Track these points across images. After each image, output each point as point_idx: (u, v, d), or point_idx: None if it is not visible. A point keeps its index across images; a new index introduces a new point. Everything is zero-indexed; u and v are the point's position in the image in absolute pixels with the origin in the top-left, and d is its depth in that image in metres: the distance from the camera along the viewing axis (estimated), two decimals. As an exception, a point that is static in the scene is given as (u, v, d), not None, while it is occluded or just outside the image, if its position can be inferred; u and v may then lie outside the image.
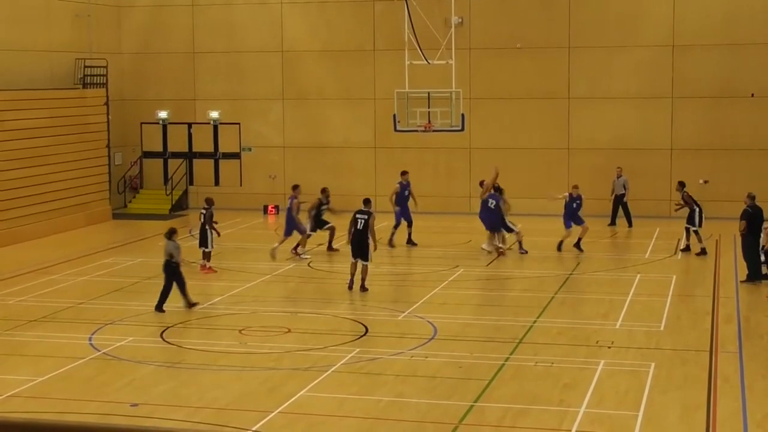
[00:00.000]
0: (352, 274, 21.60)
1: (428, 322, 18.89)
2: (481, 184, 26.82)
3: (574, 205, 26.02)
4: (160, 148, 35.86)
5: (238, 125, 35.16)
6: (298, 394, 14.57)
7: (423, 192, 32.02)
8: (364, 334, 18.07)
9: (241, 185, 35.29)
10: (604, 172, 31.49)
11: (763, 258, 22.71)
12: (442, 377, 15.45)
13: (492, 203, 25.75)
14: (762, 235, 23.07)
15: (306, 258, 25.35)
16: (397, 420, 13.69)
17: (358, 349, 16.96)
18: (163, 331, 18.32)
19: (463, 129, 27.52)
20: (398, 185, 27.28)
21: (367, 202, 22.28)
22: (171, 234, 20.24)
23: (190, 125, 35.62)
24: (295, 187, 26.46)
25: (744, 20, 30.96)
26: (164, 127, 35.60)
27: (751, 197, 22.64)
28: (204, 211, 24.17)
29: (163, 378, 15.59)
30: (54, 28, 32.19)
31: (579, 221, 26.03)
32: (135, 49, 35.60)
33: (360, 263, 21.42)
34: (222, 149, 35.42)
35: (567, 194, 26.28)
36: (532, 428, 13.37)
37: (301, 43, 34.35)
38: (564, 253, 25.76)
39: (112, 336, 18.01)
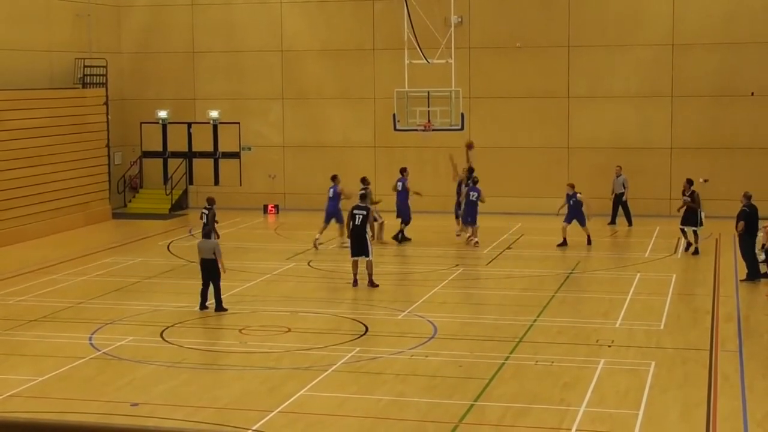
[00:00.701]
0: (355, 273, 21.61)
1: (428, 321, 18.88)
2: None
3: (571, 202, 26.39)
4: (159, 148, 35.85)
5: (237, 125, 35.16)
6: (298, 394, 14.57)
7: (423, 191, 32.03)
8: (364, 334, 18.06)
9: (240, 185, 35.27)
10: (604, 171, 31.48)
11: (763, 257, 22.70)
12: (442, 376, 15.45)
13: (474, 195, 26.40)
14: (761, 233, 23.06)
15: (345, 246, 25.60)
16: (398, 419, 13.69)
17: (358, 349, 16.96)
18: (163, 331, 18.30)
19: (462, 128, 27.54)
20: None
21: (363, 197, 22.28)
22: (209, 234, 20.34)
23: (189, 125, 35.61)
24: (335, 177, 26.96)
25: (744, 19, 30.95)
26: (164, 126, 35.59)
27: (747, 196, 22.66)
28: (206, 211, 24.11)
29: (163, 377, 15.57)
30: (54, 28, 32.19)
31: (580, 221, 26.37)
32: (135, 48, 35.60)
33: (362, 260, 21.42)
34: (222, 149, 35.41)
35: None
36: (533, 427, 13.36)
37: (300, 42, 34.35)
38: (563, 252, 25.76)
39: (112, 336, 18.01)
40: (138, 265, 24.78)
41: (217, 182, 35.49)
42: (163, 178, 35.50)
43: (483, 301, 20.89)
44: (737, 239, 23.03)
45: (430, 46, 27.70)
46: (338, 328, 18.56)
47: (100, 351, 17.04)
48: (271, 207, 34.23)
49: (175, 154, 35.68)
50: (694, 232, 24.97)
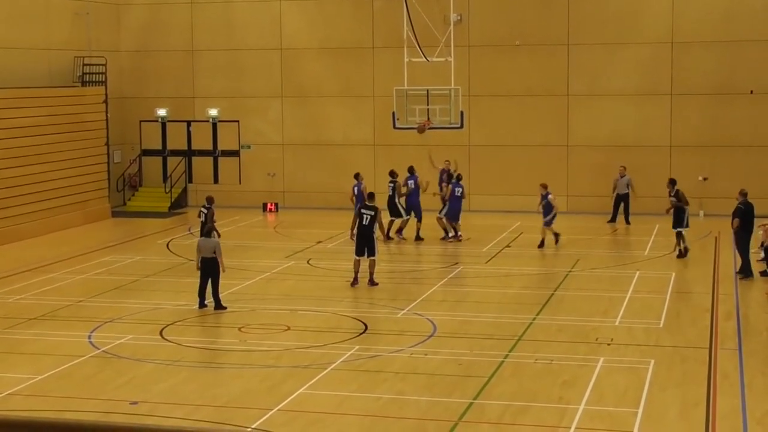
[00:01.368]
0: (357, 272, 21.60)
1: (427, 319, 18.87)
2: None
3: (543, 203, 25.98)
4: (159, 146, 35.83)
5: (237, 123, 35.14)
6: (298, 392, 14.57)
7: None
8: (364, 332, 18.06)
9: (240, 183, 35.25)
10: (603, 169, 31.49)
11: (762, 255, 22.73)
12: (441, 374, 15.44)
13: (459, 191, 26.81)
14: (760, 232, 23.09)
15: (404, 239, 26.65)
16: (397, 417, 13.69)
17: (357, 347, 16.95)
18: (163, 329, 18.29)
19: (462, 126, 27.52)
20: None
21: (371, 196, 22.29)
22: (210, 232, 20.30)
23: (189, 123, 35.59)
24: (412, 169, 27.68)
25: (743, 17, 30.92)
26: (163, 124, 35.57)
27: (743, 194, 22.69)
28: (206, 210, 24.06)
29: (162, 376, 15.56)
30: (53, 26, 32.17)
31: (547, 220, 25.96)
32: (134, 47, 35.57)
33: (367, 259, 21.41)
34: (221, 147, 35.39)
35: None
36: (532, 425, 13.36)
37: (300, 40, 34.32)
38: (563, 251, 25.75)
39: (111, 334, 18.00)
40: (137, 264, 24.77)
41: (216, 180, 35.46)
42: (162, 176, 35.48)
43: (482, 299, 20.88)
44: (733, 234, 23.04)
45: (429, 45, 27.68)
46: (338, 327, 18.54)
47: (99, 349, 17.03)
48: (271, 205, 34.20)
49: (175, 153, 35.65)
50: (679, 232, 24.49)
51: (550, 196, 25.81)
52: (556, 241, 25.98)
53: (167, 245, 27.31)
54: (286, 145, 34.84)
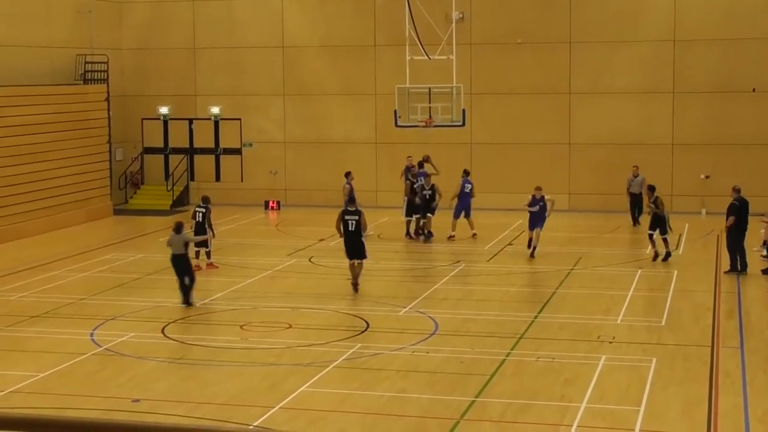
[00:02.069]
0: (354, 275, 21.23)
1: (429, 317, 18.86)
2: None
3: (538, 207, 24.55)
4: (161, 144, 35.82)
5: (239, 121, 35.13)
6: (299, 390, 14.56)
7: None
8: (365, 330, 18.04)
9: (242, 181, 35.24)
10: (605, 168, 31.47)
11: (765, 252, 22.71)
12: (443, 372, 15.42)
13: (468, 188, 26.92)
14: (762, 230, 23.06)
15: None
16: (399, 415, 13.67)
17: (359, 345, 16.95)
18: (165, 327, 18.29)
19: (464, 124, 27.49)
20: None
21: (352, 200, 21.57)
22: (180, 228, 20.19)
23: (191, 121, 35.58)
24: (467, 172, 27.73)
25: (745, 15, 30.88)
26: (165, 122, 35.57)
27: (737, 190, 22.69)
28: (203, 210, 23.86)
29: (164, 374, 15.58)
30: (55, 25, 32.15)
31: (540, 224, 24.60)
32: (136, 44, 35.56)
33: (357, 261, 21.03)
34: (223, 145, 35.38)
35: (531, 195, 24.79)
36: (534, 423, 13.35)
37: (301, 38, 34.31)
38: (565, 249, 25.72)
39: (113, 332, 18.00)
40: (139, 261, 24.77)
41: (218, 178, 35.46)
42: (164, 174, 35.48)
43: (484, 297, 20.86)
44: (725, 231, 23.01)
45: (431, 42, 27.65)
46: (339, 325, 18.55)
47: (101, 347, 17.04)
48: (273, 203, 34.18)
49: (177, 151, 35.64)
50: (664, 239, 23.79)
51: (547, 197, 24.81)
52: (532, 253, 24.45)
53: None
54: (287, 143, 34.82)
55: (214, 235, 24.04)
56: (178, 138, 35.61)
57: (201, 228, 23.56)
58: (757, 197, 22.79)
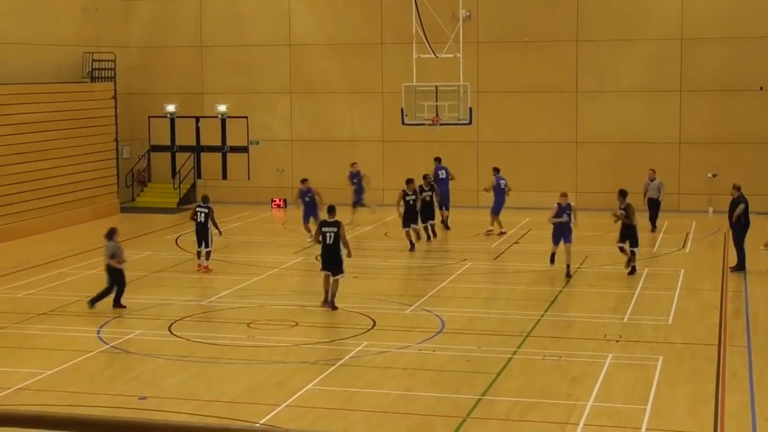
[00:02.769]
0: (326, 290, 19.54)
1: (436, 315, 18.85)
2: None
3: (565, 217, 22.43)
4: (167, 142, 35.83)
5: (245, 119, 35.12)
6: (306, 388, 14.57)
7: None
8: (372, 328, 18.03)
9: (249, 179, 35.24)
10: (612, 166, 31.42)
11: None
12: (449, 371, 15.43)
13: (503, 183, 27.37)
14: (749, 223, 23.00)
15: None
16: (405, 414, 13.66)
17: (365, 343, 16.94)
18: (171, 325, 18.31)
19: (470, 123, 27.45)
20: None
21: (331, 210, 19.72)
22: (111, 234, 19.87)
23: (197, 119, 35.58)
24: (498, 169, 27.90)
25: (752, 13, 30.81)
26: (172, 120, 35.58)
27: (737, 188, 22.71)
28: (206, 210, 23.45)
29: (171, 371, 15.59)
30: (61, 22, 32.18)
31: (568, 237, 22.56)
32: (143, 42, 35.57)
33: (331, 277, 19.41)
34: (230, 143, 35.38)
35: (556, 204, 22.69)
36: (540, 422, 13.34)
37: (308, 36, 34.29)
38: (572, 248, 25.63)
39: (120, 329, 18.05)
40: (146, 259, 24.79)
41: (225, 176, 35.46)
42: (171, 172, 35.50)
43: (491, 295, 20.86)
44: (731, 230, 22.92)
45: (438, 41, 27.63)
46: (346, 323, 18.53)
47: (108, 345, 17.06)
48: (278, 201, 34.14)
49: (183, 148, 35.65)
50: (633, 251, 22.22)
51: (573, 205, 22.77)
52: (568, 272, 22.28)
53: (176, 241, 27.31)
54: (294, 141, 34.82)
55: (220, 233, 23.98)
56: (185, 136, 35.61)
57: (203, 228, 23.11)
58: (763, 196, 22.70)
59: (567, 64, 32.17)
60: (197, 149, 35.66)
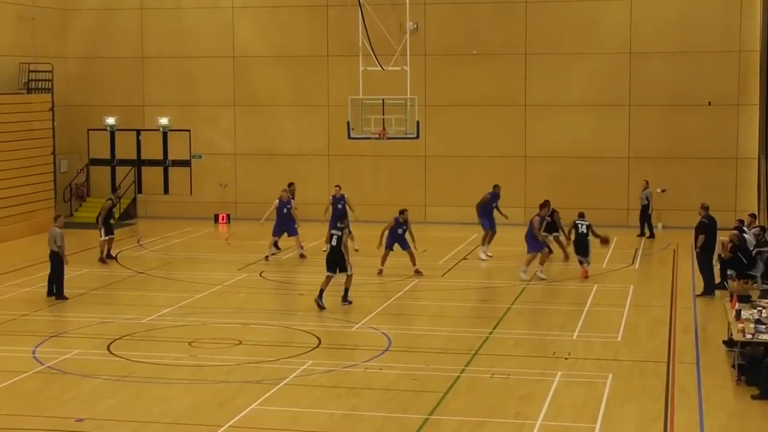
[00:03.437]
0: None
1: (382, 333, 18.73)
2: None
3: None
4: (107, 156, 35.37)
5: (188, 132, 34.74)
6: (250, 408, 14.41)
7: (377, 201, 31.87)
8: (317, 346, 17.87)
9: (191, 194, 34.84)
10: (561, 181, 31.46)
11: (718, 266, 22.64)
12: (396, 389, 15.32)
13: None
14: (716, 245, 23.00)
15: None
16: (352, 434, 13.49)
17: (310, 362, 16.77)
18: (110, 344, 17.98)
19: (418, 136, 27.34)
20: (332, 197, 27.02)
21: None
22: (55, 220, 21.16)
23: (138, 132, 35.16)
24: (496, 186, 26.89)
25: (701, 28, 31.09)
26: (112, 133, 35.14)
27: (705, 208, 22.50)
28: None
29: (110, 392, 15.28)
30: (-4, 31, 31.64)
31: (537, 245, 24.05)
32: (81, 53, 35.08)
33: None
34: (172, 156, 34.97)
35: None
36: (490, 442, 13.22)
37: (253, 48, 34.03)
38: (520, 264, 25.55)
39: (56, 349, 17.68)
40: (84, 276, 24.37)
41: (166, 191, 35.07)
42: (110, 186, 34.92)
43: (438, 312, 20.70)
44: (695, 253, 22.85)
45: (385, 53, 27.46)
46: (291, 341, 18.35)
47: (44, 365, 16.71)
48: (223, 216, 33.82)
49: (124, 162, 35.20)
50: (581, 261, 23.78)
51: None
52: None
53: (116, 257, 26.81)
54: (238, 155, 34.50)
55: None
56: (125, 149, 35.17)
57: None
58: (713, 212, 22.73)
59: (516, 78, 32.20)
60: (138, 163, 35.21)
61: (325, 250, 23.35)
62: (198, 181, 34.83)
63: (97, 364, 16.67)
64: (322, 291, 20.75)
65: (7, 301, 21.69)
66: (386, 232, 24.32)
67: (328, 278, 20.82)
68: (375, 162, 33.07)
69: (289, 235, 26.68)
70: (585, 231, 24.09)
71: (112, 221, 26.68)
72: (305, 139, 33.91)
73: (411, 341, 18.18)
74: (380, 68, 26.85)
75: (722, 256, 21.76)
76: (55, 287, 21.62)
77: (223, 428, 13.54)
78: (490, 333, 18.68)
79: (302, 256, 26.45)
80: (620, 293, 22.20)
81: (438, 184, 32.87)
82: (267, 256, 26.15)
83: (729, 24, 30.88)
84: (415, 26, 31.30)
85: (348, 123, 27.18)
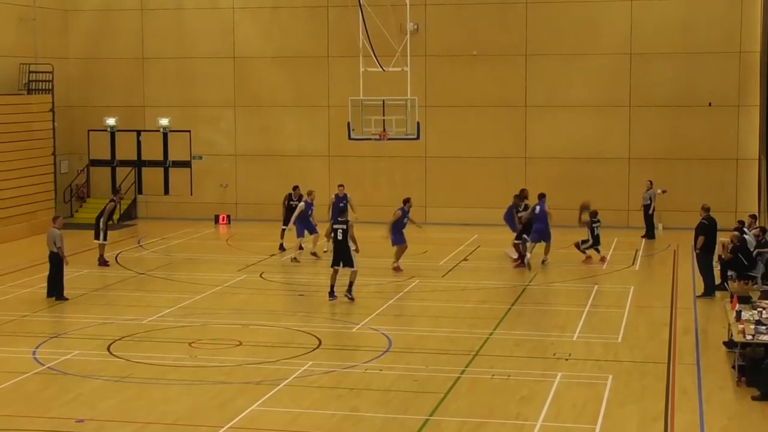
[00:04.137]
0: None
1: (383, 334, 18.69)
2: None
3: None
4: (107, 156, 35.34)
5: (188, 133, 34.72)
6: (250, 409, 14.38)
7: (378, 201, 31.82)
8: (318, 347, 17.82)
9: (191, 194, 34.83)
10: (561, 181, 31.45)
11: (719, 267, 22.64)
12: (397, 390, 15.28)
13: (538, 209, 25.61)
14: (716, 246, 22.99)
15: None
16: (352, 435, 13.49)
17: (311, 362, 16.74)
18: (111, 345, 17.94)
19: (418, 137, 27.33)
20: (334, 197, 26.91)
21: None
22: (54, 221, 21.07)
23: (139, 133, 35.14)
24: (542, 195, 26.04)
25: (701, 29, 31.08)
26: (112, 134, 35.10)
27: (706, 209, 22.49)
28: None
29: (110, 393, 15.25)
30: (-4, 32, 31.65)
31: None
32: (82, 54, 35.06)
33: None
34: (172, 157, 34.96)
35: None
36: (490, 443, 13.21)
37: (253, 49, 34.02)
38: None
39: (57, 350, 17.65)
40: (85, 277, 24.32)
41: (167, 192, 35.04)
42: (111, 187, 34.91)
43: (439, 313, 20.68)
44: (695, 254, 22.84)
45: (385, 54, 27.46)
46: (291, 342, 18.30)
47: (44, 366, 16.67)
48: (223, 217, 33.82)
49: (124, 163, 35.18)
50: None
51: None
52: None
53: (116, 258, 26.83)
54: (238, 155, 34.49)
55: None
56: (126, 150, 35.15)
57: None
58: (713, 212, 22.72)
59: (516, 79, 32.19)
60: (138, 164, 35.18)
61: (326, 251, 23.44)
62: (198, 181, 34.81)
63: (98, 365, 16.63)
64: (332, 287, 21.29)
65: (8, 302, 21.67)
66: (390, 226, 24.54)
67: (335, 272, 21.27)
68: (375, 163, 33.06)
69: (310, 233, 26.63)
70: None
71: (109, 223, 26.61)
72: (305, 140, 33.89)
73: (411, 342, 18.15)
74: (381, 69, 26.85)
75: (723, 257, 21.77)
76: (56, 288, 21.60)
77: (223, 429, 13.51)
78: (491, 334, 18.65)
79: (314, 254, 26.45)
80: (621, 294, 22.17)
81: (438, 185, 32.86)
82: (294, 257, 26.11)
83: (729, 25, 30.88)
84: (416, 27, 31.29)
85: (348, 124, 27.17)
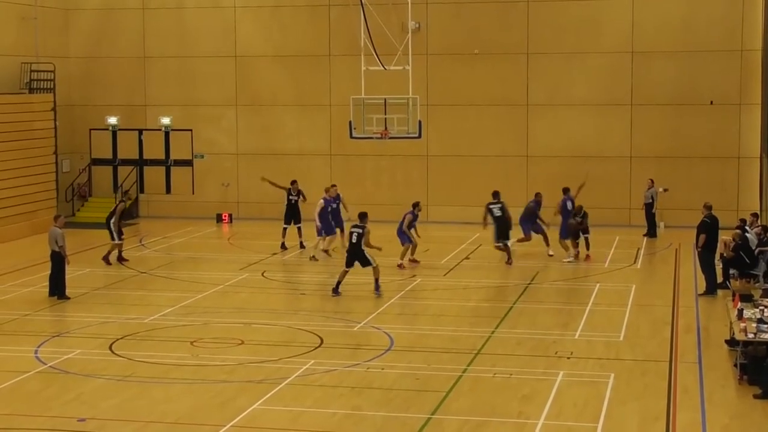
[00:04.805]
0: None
1: (384, 332, 18.70)
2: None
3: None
4: (109, 155, 35.32)
5: (190, 132, 34.72)
6: (251, 408, 14.38)
7: (379, 200, 31.84)
8: (319, 346, 17.82)
9: (193, 193, 34.82)
10: (562, 180, 31.33)
11: (721, 266, 22.62)
12: (398, 389, 15.28)
13: (569, 205, 26.53)
14: (718, 244, 22.98)
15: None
16: (353, 434, 13.49)
17: (312, 361, 16.73)
18: (112, 344, 17.95)
19: (420, 136, 27.33)
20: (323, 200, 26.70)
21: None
22: (55, 220, 21.13)
23: (140, 132, 35.13)
24: (567, 190, 26.97)
25: (702, 27, 31.07)
26: (114, 133, 35.09)
27: (708, 207, 22.48)
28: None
29: (112, 392, 15.26)
30: (-2, 31, 31.64)
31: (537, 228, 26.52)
32: (83, 53, 35.06)
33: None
34: (173, 156, 34.96)
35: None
36: (492, 441, 13.22)
37: (254, 48, 34.02)
38: (522, 263, 25.60)
39: (59, 349, 17.66)
40: (87, 276, 24.33)
41: (169, 191, 35.04)
42: (112, 186, 34.96)
43: (440, 312, 20.67)
44: (697, 252, 22.84)
45: (387, 53, 27.47)
46: (293, 340, 18.30)
47: (46, 364, 16.68)
48: (225, 216, 33.82)
49: (126, 162, 35.17)
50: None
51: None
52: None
53: (117, 257, 26.81)
54: (240, 154, 34.48)
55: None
56: (127, 149, 35.13)
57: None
58: (715, 211, 22.72)
59: (518, 77, 32.18)
60: (140, 163, 35.19)
61: (344, 247, 23.59)
62: (200, 180, 34.81)
63: (99, 364, 16.64)
64: (338, 283, 21.69)
65: (9, 301, 21.67)
66: (406, 229, 24.98)
67: (344, 272, 21.82)
68: (377, 161, 33.06)
69: (327, 234, 26.48)
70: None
71: (120, 222, 26.56)
72: (307, 139, 33.88)
73: (413, 341, 18.15)
74: (382, 68, 26.86)
75: (724, 255, 21.76)
76: (57, 287, 21.60)
77: (225, 428, 13.52)
78: (492, 332, 18.64)
79: (326, 251, 26.42)
80: (622, 293, 22.16)
81: (440, 184, 32.85)
82: (313, 256, 26.09)
83: (731, 23, 30.86)
84: (417, 26, 31.28)
85: (350, 123, 27.19)
